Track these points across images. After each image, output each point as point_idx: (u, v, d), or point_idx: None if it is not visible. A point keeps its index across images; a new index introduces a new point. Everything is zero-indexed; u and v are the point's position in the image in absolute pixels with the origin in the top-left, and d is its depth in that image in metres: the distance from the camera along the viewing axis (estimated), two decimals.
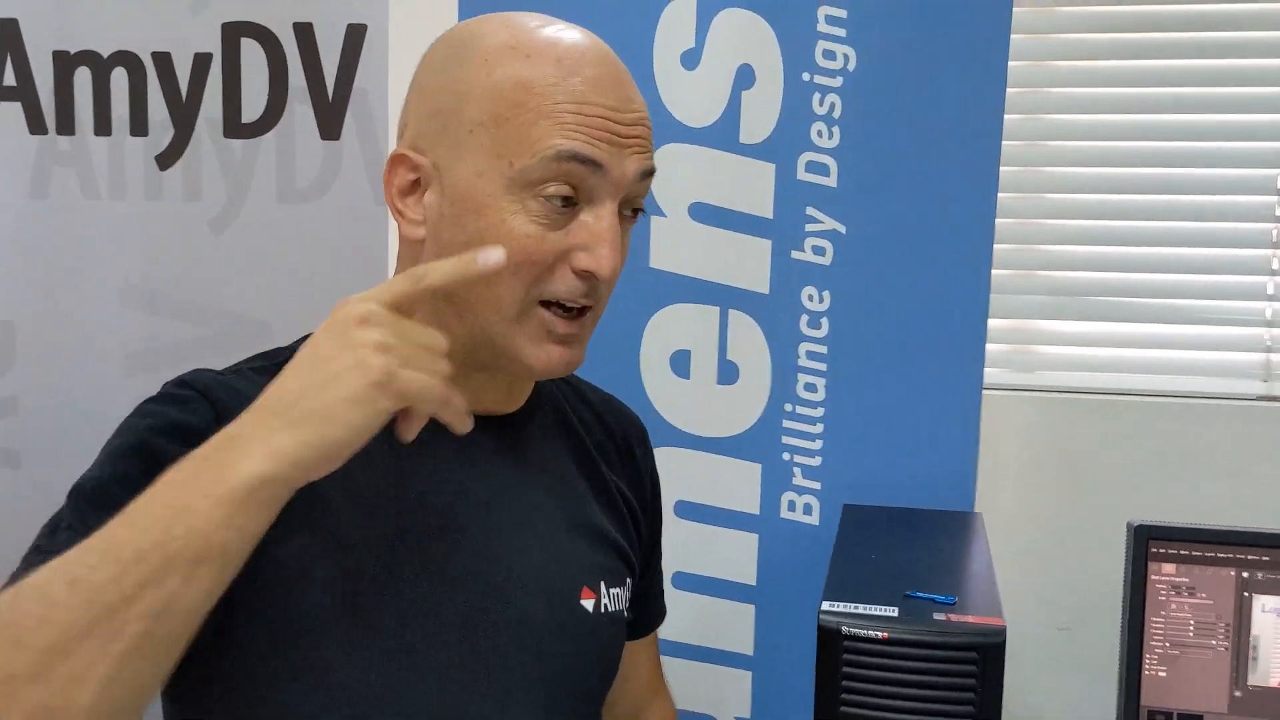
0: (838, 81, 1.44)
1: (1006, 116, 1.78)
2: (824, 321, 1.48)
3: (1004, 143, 1.78)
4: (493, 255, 0.74)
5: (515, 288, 0.79)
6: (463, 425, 0.73)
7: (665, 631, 1.57)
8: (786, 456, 1.51)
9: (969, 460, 1.48)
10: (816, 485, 1.51)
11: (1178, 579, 1.12)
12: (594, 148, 0.78)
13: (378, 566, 0.80)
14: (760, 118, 1.45)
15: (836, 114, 1.45)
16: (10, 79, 1.48)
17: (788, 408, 1.50)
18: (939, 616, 1.01)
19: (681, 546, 1.54)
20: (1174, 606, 1.12)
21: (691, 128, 1.46)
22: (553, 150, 0.77)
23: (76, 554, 0.63)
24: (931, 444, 1.48)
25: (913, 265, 1.46)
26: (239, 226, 1.49)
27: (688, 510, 1.53)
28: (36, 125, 1.48)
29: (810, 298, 1.48)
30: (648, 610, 1.09)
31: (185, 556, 0.62)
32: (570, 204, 0.79)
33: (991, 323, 1.81)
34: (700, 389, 1.51)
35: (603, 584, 0.91)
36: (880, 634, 0.99)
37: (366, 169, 1.46)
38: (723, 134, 1.46)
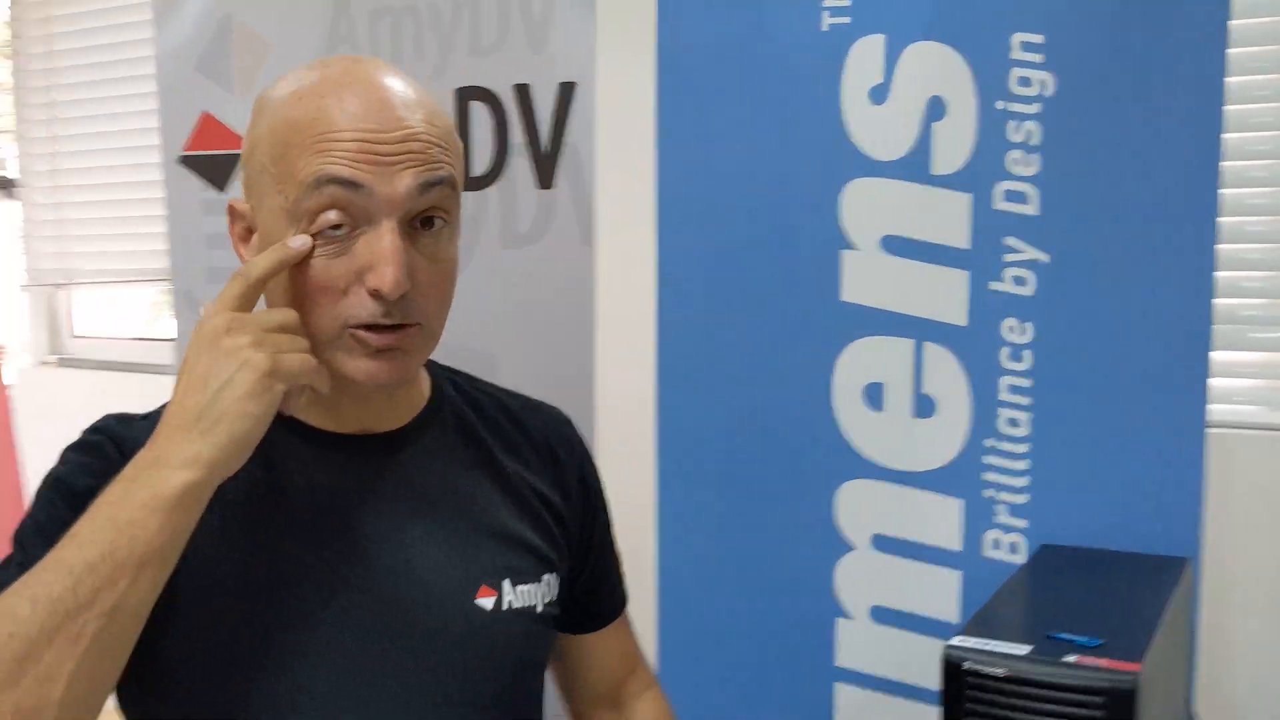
0: (1035, 108, 1.40)
1: (1255, 134, 1.67)
2: (1026, 354, 1.44)
3: (1252, 163, 1.67)
4: (297, 241, 0.84)
5: (322, 316, 0.85)
6: (325, 385, 0.86)
7: (862, 664, 1.57)
8: (988, 493, 1.47)
9: (1190, 502, 1.37)
10: (1023, 523, 1.46)
11: None
12: (352, 169, 0.82)
13: (251, 582, 0.86)
14: (953, 148, 1.44)
15: (1035, 141, 1.41)
16: None
17: (988, 443, 1.46)
18: (1071, 659, 0.97)
19: (880, 581, 1.53)
20: None
21: (881, 161, 1.47)
22: (311, 177, 0.83)
23: (32, 575, 0.74)
24: (1147, 484, 1.39)
25: (1125, 294, 1.39)
26: (471, 270, 1.64)
27: (885, 544, 1.53)
28: None
29: (1011, 329, 1.44)
30: (601, 602, 1.11)
31: (131, 562, 0.74)
32: (344, 229, 0.84)
33: (1239, 356, 1.69)
34: (895, 422, 1.50)
35: (506, 582, 0.94)
36: (1000, 671, 0.96)
37: (576, 214, 1.58)
38: (914, 166, 1.46)
